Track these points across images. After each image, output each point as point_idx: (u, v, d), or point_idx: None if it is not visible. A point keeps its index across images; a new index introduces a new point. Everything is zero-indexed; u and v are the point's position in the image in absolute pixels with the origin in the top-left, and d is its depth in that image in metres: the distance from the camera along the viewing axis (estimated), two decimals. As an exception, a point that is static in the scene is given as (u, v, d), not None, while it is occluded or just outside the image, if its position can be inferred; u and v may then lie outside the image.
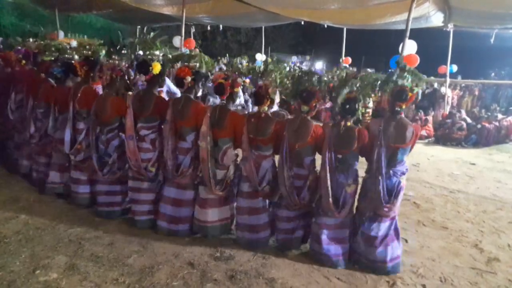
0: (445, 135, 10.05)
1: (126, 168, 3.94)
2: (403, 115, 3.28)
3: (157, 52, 3.78)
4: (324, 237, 3.34)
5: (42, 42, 5.31)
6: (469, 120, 10.45)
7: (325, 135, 3.31)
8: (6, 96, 5.10)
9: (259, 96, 3.47)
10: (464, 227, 4.41)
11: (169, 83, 5.74)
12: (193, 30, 12.94)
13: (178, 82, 3.69)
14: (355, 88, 3.26)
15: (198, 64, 3.63)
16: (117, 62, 3.93)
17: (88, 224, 3.79)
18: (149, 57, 3.80)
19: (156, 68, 3.70)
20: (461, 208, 5.07)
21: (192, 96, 3.71)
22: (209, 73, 3.74)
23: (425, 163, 7.56)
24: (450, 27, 9.27)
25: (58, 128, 4.31)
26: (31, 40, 5.49)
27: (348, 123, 3.27)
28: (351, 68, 11.65)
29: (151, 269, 3.08)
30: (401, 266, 3.34)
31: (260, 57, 13.56)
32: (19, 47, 5.60)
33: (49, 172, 4.41)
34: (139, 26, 13.43)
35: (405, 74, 3.20)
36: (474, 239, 4.11)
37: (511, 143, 9.94)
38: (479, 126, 9.99)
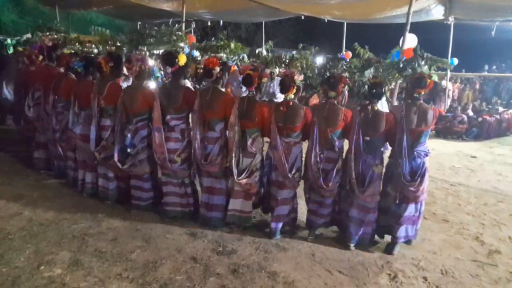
0: (446, 129, 10.05)
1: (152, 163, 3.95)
2: (422, 101, 3.42)
3: (181, 44, 3.78)
4: (353, 216, 3.53)
5: (61, 34, 5.20)
6: (470, 113, 10.44)
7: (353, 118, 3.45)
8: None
9: (285, 84, 3.50)
10: (465, 220, 4.43)
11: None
12: (193, 26, 12.91)
13: (207, 73, 3.69)
14: (379, 73, 3.38)
15: (224, 55, 3.70)
16: (143, 53, 3.84)
17: (91, 220, 3.82)
18: (173, 48, 3.80)
19: (182, 59, 3.72)
20: (462, 201, 5.09)
21: (219, 87, 3.76)
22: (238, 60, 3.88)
23: (426, 156, 7.56)
24: (451, 20, 9.20)
25: (80, 124, 4.24)
26: (47, 33, 5.31)
27: (375, 108, 3.40)
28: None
29: (154, 264, 3.11)
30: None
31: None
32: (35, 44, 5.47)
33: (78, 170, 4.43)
34: (140, 23, 13.40)
35: (423, 62, 3.37)
36: (475, 231, 4.12)
37: (512, 136, 9.95)
38: (480, 119, 9.99)
